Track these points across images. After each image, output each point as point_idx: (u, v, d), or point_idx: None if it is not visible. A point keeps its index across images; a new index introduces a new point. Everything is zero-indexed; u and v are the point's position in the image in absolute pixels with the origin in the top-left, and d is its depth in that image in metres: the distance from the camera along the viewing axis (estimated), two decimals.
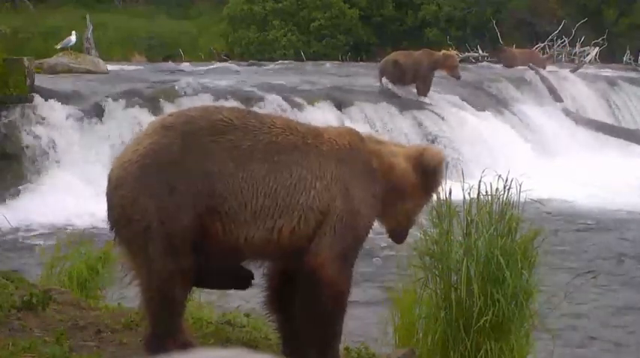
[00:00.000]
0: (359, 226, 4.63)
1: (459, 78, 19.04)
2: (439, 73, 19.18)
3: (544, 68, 24.00)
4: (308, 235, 4.49)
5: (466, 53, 29.10)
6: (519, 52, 26.10)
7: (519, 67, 24.38)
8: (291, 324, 4.80)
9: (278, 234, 4.42)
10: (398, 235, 5.15)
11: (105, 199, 4.47)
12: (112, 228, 4.48)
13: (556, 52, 29.49)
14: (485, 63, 28.23)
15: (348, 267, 4.65)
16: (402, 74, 18.69)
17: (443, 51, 19.55)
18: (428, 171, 4.90)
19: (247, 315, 5.91)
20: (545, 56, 27.28)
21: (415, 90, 19.06)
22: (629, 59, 29.90)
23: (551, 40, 29.82)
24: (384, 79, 19.03)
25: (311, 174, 4.48)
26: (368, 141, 4.87)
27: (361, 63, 30.74)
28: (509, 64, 25.13)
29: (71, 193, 13.32)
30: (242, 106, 16.39)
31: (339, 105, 17.72)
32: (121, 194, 4.34)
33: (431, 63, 18.59)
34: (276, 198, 4.39)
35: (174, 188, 4.29)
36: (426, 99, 18.93)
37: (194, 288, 4.81)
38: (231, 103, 16.60)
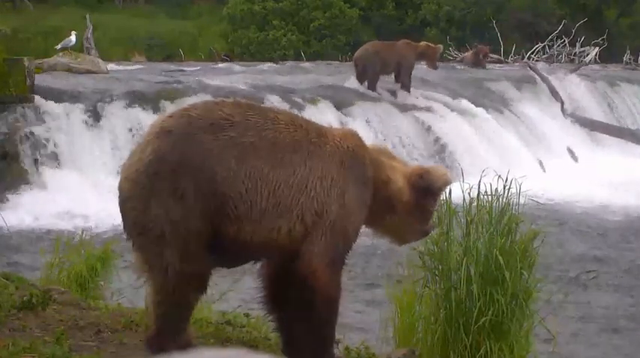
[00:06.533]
0: (350, 232, 4.61)
1: (435, 68, 19.26)
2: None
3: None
4: (303, 237, 4.48)
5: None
6: None
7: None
8: (290, 324, 4.80)
9: (277, 235, 4.41)
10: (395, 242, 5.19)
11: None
12: (128, 237, 4.48)
13: (556, 52, 29.50)
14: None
15: (338, 272, 4.64)
16: (383, 65, 18.44)
17: (423, 42, 19.45)
18: (432, 189, 4.87)
19: (247, 315, 5.91)
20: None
21: (394, 84, 18.92)
22: (629, 59, 29.92)
23: (551, 40, 29.82)
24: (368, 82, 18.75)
25: (313, 174, 4.44)
26: (371, 148, 4.84)
27: None
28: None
29: (71, 193, 13.31)
30: None
31: (339, 105, 17.69)
32: (132, 206, 4.33)
33: (416, 55, 18.53)
34: (279, 196, 4.36)
35: (182, 193, 4.26)
36: (417, 97, 18.79)
37: None
38: None
